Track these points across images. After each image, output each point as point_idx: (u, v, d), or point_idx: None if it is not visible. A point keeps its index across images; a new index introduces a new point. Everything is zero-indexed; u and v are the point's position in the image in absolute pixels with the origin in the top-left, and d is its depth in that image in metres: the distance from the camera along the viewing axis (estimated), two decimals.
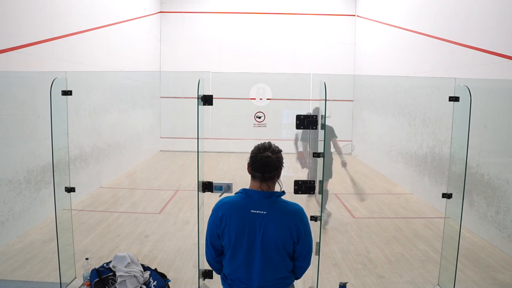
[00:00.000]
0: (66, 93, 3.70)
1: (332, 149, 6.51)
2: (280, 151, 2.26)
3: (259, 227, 2.16)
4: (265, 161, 2.17)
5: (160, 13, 12.44)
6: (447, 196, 3.73)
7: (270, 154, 2.19)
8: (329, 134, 6.22)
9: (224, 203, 2.25)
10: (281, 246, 2.18)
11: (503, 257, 4.85)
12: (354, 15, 12.47)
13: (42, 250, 4.74)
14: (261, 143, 2.26)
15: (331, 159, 6.28)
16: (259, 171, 2.19)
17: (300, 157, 6.88)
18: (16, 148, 5.25)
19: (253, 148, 2.26)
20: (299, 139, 6.80)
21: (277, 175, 2.24)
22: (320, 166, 3.40)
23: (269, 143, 2.26)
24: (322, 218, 3.50)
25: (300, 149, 6.82)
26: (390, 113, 9.29)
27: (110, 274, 3.68)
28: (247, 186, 2.28)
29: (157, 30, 12.37)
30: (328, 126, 6.40)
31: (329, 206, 6.85)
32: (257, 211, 2.17)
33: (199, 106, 3.47)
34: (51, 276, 4.09)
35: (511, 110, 4.99)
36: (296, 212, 2.22)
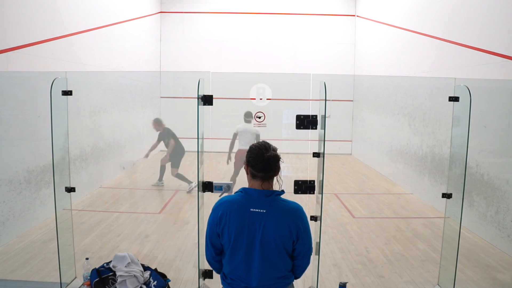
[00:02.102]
0: (66, 93, 3.70)
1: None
2: (276, 149, 2.28)
3: (258, 225, 2.17)
4: (272, 160, 2.20)
5: (160, 13, 12.44)
6: (447, 196, 3.73)
7: (275, 153, 2.22)
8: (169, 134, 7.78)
9: (224, 201, 2.26)
10: (281, 245, 2.18)
11: (503, 257, 4.85)
12: (354, 15, 12.47)
13: (42, 250, 4.74)
14: (257, 143, 2.27)
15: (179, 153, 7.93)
16: (263, 171, 2.20)
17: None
18: (16, 148, 5.25)
19: (250, 149, 2.26)
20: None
21: (277, 173, 2.26)
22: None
23: (267, 143, 2.27)
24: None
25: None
26: (390, 113, 9.29)
27: (110, 274, 3.68)
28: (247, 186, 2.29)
29: (157, 30, 12.37)
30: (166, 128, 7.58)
31: (329, 206, 6.86)
32: (257, 210, 2.18)
33: (199, 106, 3.47)
34: (51, 276, 4.09)
35: (511, 110, 4.99)
36: (296, 210, 2.23)
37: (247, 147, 2.31)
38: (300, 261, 2.28)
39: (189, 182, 7.78)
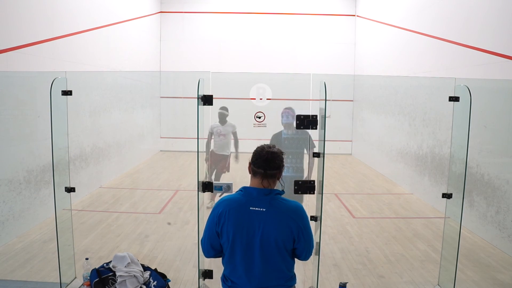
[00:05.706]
0: (66, 93, 3.70)
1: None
2: (282, 153, 2.28)
3: (258, 224, 2.17)
4: (271, 156, 2.21)
5: (160, 13, 12.44)
6: (447, 196, 3.73)
7: (275, 150, 2.24)
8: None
9: (223, 200, 2.26)
10: (281, 244, 2.18)
11: (503, 257, 4.85)
12: (354, 15, 12.46)
13: (42, 250, 4.73)
14: (263, 144, 2.30)
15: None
16: (262, 167, 2.21)
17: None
18: (16, 148, 5.25)
19: (256, 148, 2.28)
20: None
21: (278, 174, 2.25)
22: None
23: (273, 145, 2.30)
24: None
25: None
26: (390, 113, 9.29)
27: (110, 274, 3.68)
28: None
29: (157, 30, 12.36)
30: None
31: (329, 206, 6.86)
32: (256, 208, 2.18)
33: (199, 106, 3.47)
34: (51, 276, 4.09)
35: (511, 110, 4.99)
36: (296, 209, 2.23)
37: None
38: (303, 256, 2.29)
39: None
